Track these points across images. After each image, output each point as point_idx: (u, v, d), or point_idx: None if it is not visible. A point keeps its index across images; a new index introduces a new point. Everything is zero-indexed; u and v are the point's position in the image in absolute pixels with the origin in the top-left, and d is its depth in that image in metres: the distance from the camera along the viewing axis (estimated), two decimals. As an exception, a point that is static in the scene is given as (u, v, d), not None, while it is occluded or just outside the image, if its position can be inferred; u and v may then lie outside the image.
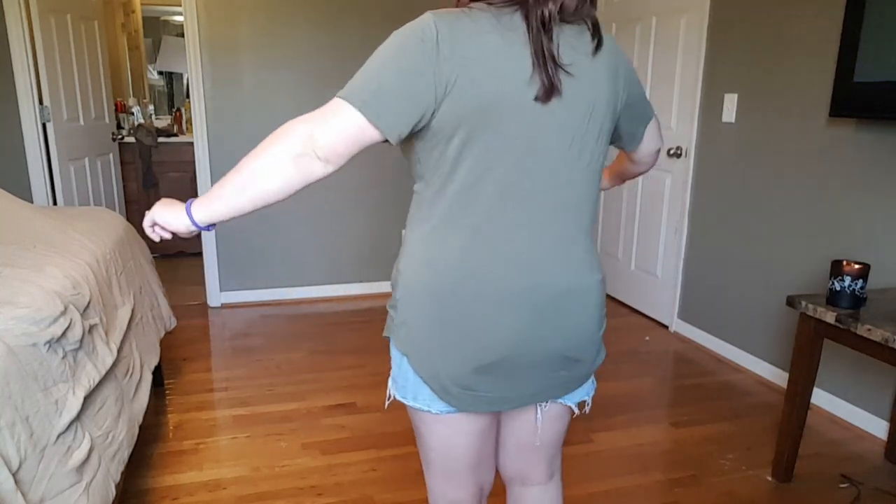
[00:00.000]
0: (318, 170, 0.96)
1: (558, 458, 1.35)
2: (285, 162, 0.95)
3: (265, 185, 0.96)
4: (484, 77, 0.94)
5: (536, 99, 0.96)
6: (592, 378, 1.25)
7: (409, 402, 1.13)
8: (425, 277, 1.04)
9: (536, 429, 1.25)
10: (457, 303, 1.03)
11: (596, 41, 1.02)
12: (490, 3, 0.97)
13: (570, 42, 0.99)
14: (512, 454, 1.31)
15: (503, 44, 0.94)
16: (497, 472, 1.35)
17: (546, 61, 0.95)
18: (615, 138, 1.19)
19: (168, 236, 1.08)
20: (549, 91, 0.96)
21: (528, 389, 1.12)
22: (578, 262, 1.08)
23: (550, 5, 0.95)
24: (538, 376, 1.11)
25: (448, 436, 1.17)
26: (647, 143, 1.24)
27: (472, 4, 0.99)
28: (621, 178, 1.44)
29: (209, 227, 1.05)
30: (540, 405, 1.22)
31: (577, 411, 1.25)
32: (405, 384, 1.12)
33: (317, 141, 0.94)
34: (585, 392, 1.23)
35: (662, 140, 1.29)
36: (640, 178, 3.65)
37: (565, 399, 1.21)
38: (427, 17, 0.94)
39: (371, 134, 0.95)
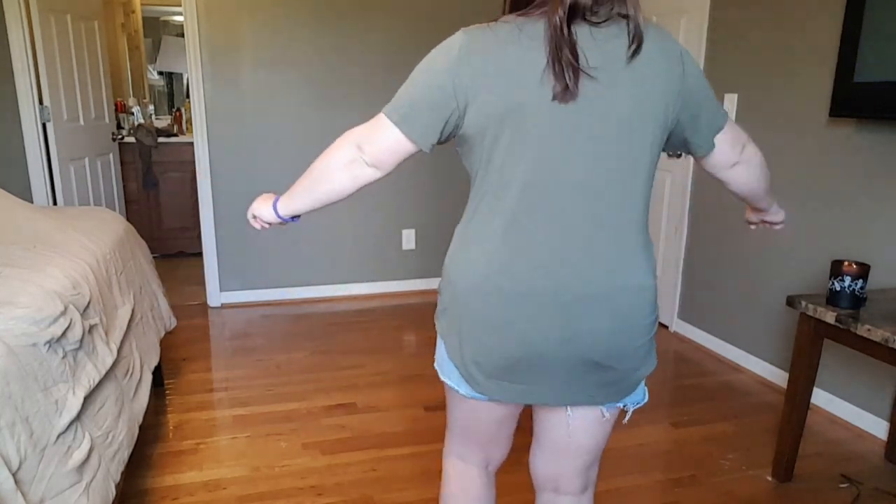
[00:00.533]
0: (369, 174, 1.12)
1: (594, 471, 1.32)
2: (339, 168, 1.12)
3: (325, 187, 1.15)
4: (501, 86, 1.00)
5: (554, 100, 0.99)
6: (643, 388, 1.22)
7: (443, 378, 1.24)
8: (457, 271, 1.13)
9: (567, 426, 1.24)
10: (480, 298, 1.09)
11: (634, 47, 1.00)
12: (520, 15, 1.03)
13: (602, 45, 1.00)
14: (547, 454, 1.31)
15: (521, 52, 0.99)
16: (531, 476, 1.37)
17: (561, 65, 0.97)
18: (679, 146, 1.15)
19: (266, 226, 1.27)
20: (562, 93, 0.98)
21: (555, 389, 1.14)
22: (608, 265, 1.07)
23: (560, 10, 0.97)
24: (566, 378, 1.12)
25: (468, 415, 1.28)
26: (720, 156, 1.17)
27: (504, 17, 1.04)
28: (753, 208, 1.40)
29: (294, 218, 1.25)
30: (570, 406, 1.21)
31: (606, 415, 1.22)
32: (441, 363, 1.23)
33: (364, 150, 1.10)
34: (629, 400, 1.20)
35: (744, 153, 1.18)
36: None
37: (607, 405, 1.20)
38: (456, 35, 1.04)
39: (407, 145, 1.08)
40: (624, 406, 1.22)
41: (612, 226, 1.06)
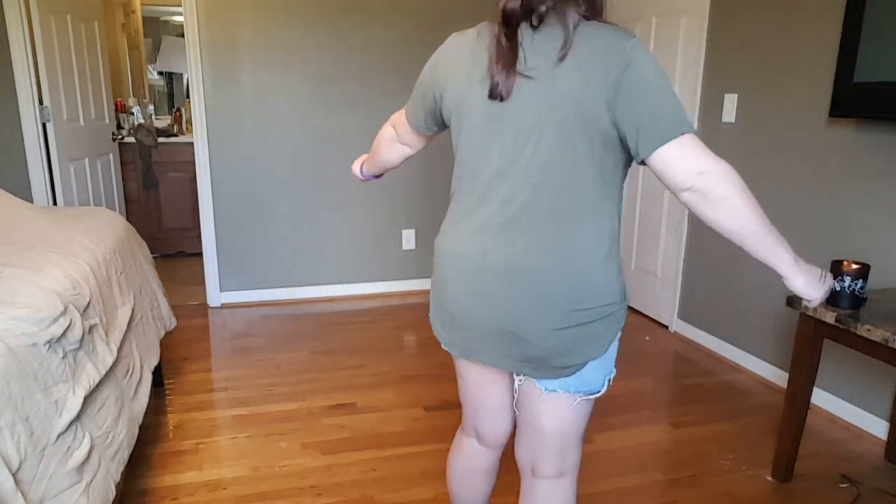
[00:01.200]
0: (403, 150, 1.47)
1: (570, 457, 1.34)
2: (384, 144, 1.48)
3: (378, 157, 1.52)
4: (453, 83, 1.20)
5: (489, 98, 1.13)
6: (598, 379, 1.23)
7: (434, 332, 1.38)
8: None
9: (513, 399, 1.37)
10: (436, 258, 1.30)
11: (564, 51, 1.06)
12: (491, 21, 1.15)
13: (540, 47, 1.09)
14: (520, 436, 1.37)
15: (470, 53, 1.17)
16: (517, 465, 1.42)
17: (496, 69, 1.10)
18: (628, 148, 1.09)
19: (363, 180, 1.64)
20: (494, 92, 1.11)
21: (486, 349, 1.26)
22: (532, 244, 1.15)
23: (498, 20, 1.12)
24: (492, 341, 1.23)
25: (459, 374, 1.44)
26: (664, 172, 1.05)
27: (482, 23, 1.19)
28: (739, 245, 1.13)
29: (376, 177, 1.61)
30: (517, 378, 1.31)
31: (543, 395, 1.25)
32: None
33: (397, 131, 1.44)
34: (572, 386, 1.23)
35: (700, 180, 1.02)
36: (639, 177, 3.65)
37: (542, 382, 1.25)
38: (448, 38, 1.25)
39: (412, 130, 1.38)
40: (571, 392, 1.24)
41: (541, 210, 1.14)
